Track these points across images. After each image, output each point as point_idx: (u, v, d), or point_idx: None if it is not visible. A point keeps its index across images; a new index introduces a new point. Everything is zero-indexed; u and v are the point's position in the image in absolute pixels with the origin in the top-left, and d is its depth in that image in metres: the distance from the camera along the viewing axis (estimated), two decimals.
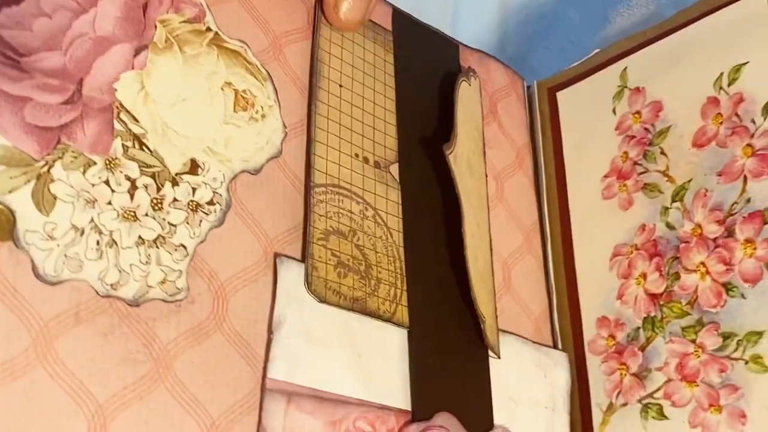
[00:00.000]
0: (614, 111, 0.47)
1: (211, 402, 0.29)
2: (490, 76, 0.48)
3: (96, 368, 0.26)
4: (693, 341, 0.41)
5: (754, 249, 0.40)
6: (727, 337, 0.40)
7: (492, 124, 0.47)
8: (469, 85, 0.44)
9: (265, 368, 0.31)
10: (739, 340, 0.39)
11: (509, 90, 0.49)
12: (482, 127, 0.45)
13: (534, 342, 0.42)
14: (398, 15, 0.43)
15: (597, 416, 0.43)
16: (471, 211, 0.40)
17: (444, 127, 0.41)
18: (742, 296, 0.40)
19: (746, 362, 0.39)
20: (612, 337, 0.44)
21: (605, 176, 0.46)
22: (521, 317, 0.43)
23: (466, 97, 0.43)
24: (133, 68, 0.31)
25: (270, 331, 0.31)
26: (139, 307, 0.28)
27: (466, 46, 0.47)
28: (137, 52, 0.31)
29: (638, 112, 0.46)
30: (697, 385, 0.40)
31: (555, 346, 0.44)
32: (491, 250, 0.42)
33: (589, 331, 0.44)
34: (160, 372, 0.28)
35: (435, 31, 0.46)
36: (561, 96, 0.50)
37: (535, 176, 0.49)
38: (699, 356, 0.41)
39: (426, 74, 0.43)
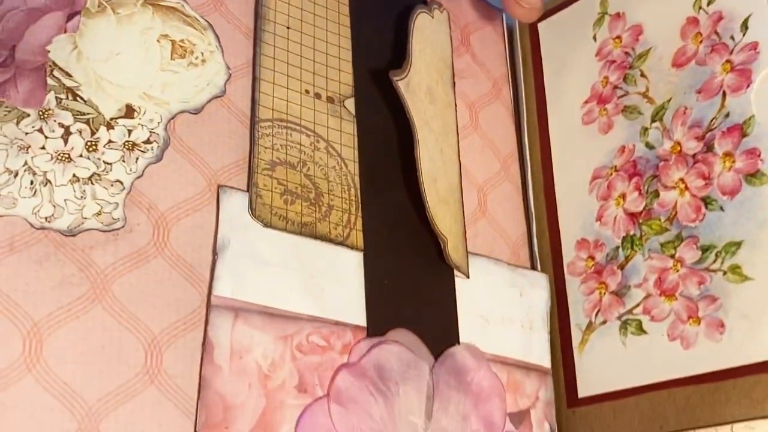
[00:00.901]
0: (594, 38, 0.47)
1: (151, 320, 0.31)
2: (461, 10, 0.48)
3: (31, 291, 0.29)
4: (672, 256, 0.40)
5: (733, 162, 0.39)
6: (706, 249, 0.39)
7: (464, 56, 0.47)
8: (431, 16, 0.45)
9: (210, 287, 0.32)
10: (718, 252, 0.39)
11: (484, 23, 0.49)
12: (451, 59, 0.46)
13: (510, 264, 0.42)
14: None
15: (576, 336, 0.42)
16: (431, 137, 0.41)
17: (401, 60, 0.42)
18: (721, 209, 0.39)
19: (725, 273, 0.38)
20: (591, 258, 0.43)
21: (585, 102, 0.46)
22: (497, 240, 0.43)
23: (427, 28, 0.44)
24: (65, 32, 0.33)
25: (215, 253, 0.33)
26: (74, 237, 0.31)
27: None
28: (69, 18, 0.34)
29: (618, 37, 0.46)
30: (676, 299, 0.39)
31: (534, 269, 0.44)
32: (461, 177, 0.42)
33: (568, 253, 0.44)
34: (97, 293, 0.30)
35: None
36: (542, 27, 0.50)
37: (515, 106, 0.48)
38: (678, 270, 0.40)
39: (386, 10, 0.44)
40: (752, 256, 0.37)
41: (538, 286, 0.43)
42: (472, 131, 0.45)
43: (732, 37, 0.41)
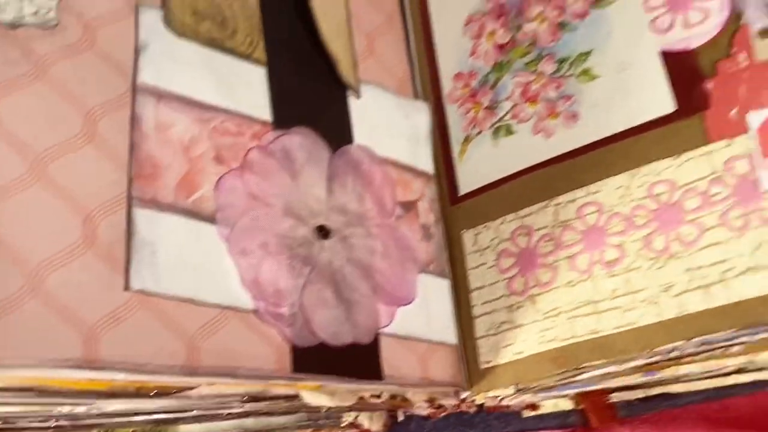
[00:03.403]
0: None
1: (86, 95, 0.36)
2: None
3: None
4: (534, 71, 0.48)
5: None
6: (562, 61, 0.47)
7: None
8: None
9: (134, 74, 0.38)
10: (572, 62, 0.46)
11: None
12: None
13: (396, 94, 0.49)
14: None
15: (456, 148, 0.49)
16: None
17: None
18: (574, 29, 0.47)
19: (577, 76, 0.46)
20: (467, 85, 0.50)
21: None
22: (384, 76, 0.50)
23: None
24: None
25: (136, 51, 0.39)
26: (16, 30, 0.36)
27: None
28: None
29: None
30: (538, 103, 0.47)
31: (416, 99, 0.51)
32: (349, 22, 0.49)
33: (447, 84, 0.51)
34: (38, 73, 0.36)
35: None
36: None
37: None
38: (539, 81, 0.47)
39: None
40: (599, 59, 0.45)
41: (422, 111, 0.50)
42: None
43: None
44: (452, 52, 0.52)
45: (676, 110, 0.42)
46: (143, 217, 0.35)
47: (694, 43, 0.43)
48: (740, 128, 0.40)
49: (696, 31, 0.43)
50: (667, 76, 0.43)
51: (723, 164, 0.40)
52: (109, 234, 0.34)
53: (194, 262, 0.36)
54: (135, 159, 0.37)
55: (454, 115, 0.50)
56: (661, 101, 0.42)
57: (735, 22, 0.42)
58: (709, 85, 0.41)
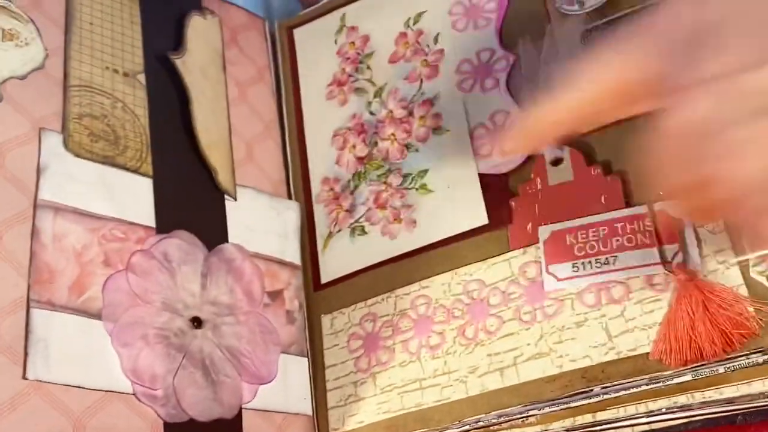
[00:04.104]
0: (336, 42, 0.64)
1: None
2: (230, 16, 0.64)
3: None
4: (384, 182, 0.57)
5: (425, 121, 0.57)
6: (406, 176, 0.57)
7: (233, 49, 0.63)
8: (204, 18, 0.60)
9: (36, 193, 0.46)
10: (413, 177, 0.56)
11: (249, 27, 0.66)
12: (222, 49, 0.61)
13: (271, 195, 0.58)
14: None
15: (320, 243, 0.58)
16: (203, 101, 0.56)
17: (180, 47, 0.57)
18: (417, 150, 0.57)
19: (417, 189, 0.56)
20: (332, 189, 0.60)
21: (329, 84, 0.63)
22: (261, 179, 0.59)
23: (200, 26, 0.60)
24: None
25: (38, 171, 0.47)
26: None
27: None
28: None
29: (353, 42, 0.63)
30: (387, 209, 0.56)
31: (290, 199, 0.60)
32: (230, 132, 0.58)
33: (315, 187, 0.60)
34: None
35: None
36: (297, 32, 0.67)
37: (277, 87, 0.65)
38: (388, 191, 0.57)
39: (168, 15, 0.59)
40: (434, 176, 0.55)
41: (292, 210, 0.59)
42: (241, 102, 0.61)
43: (427, 45, 0.60)
44: (321, 160, 0.61)
45: (488, 223, 0.52)
46: (39, 316, 0.43)
47: (505, 168, 0.53)
48: (533, 239, 0.50)
49: (507, 159, 0.53)
50: (482, 195, 0.53)
51: (518, 268, 0.50)
52: (10, 332, 0.42)
53: (82, 353, 0.44)
54: (34, 266, 0.44)
55: (320, 214, 0.59)
56: (478, 214, 0.52)
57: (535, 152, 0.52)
58: (514, 203, 0.51)
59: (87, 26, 0.54)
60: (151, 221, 0.50)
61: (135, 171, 0.51)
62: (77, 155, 0.49)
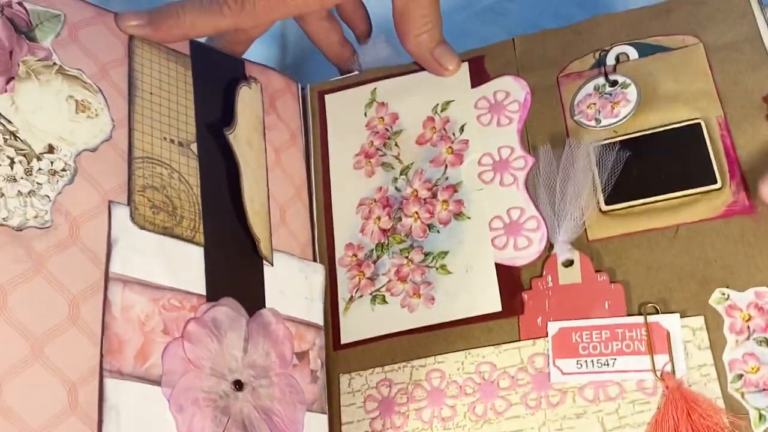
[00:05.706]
0: (365, 114, 0.69)
1: (72, 285, 0.48)
2: (269, 81, 0.69)
3: None
4: (406, 257, 0.63)
5: (448, 206, 0.63)
6: (427, 254, 0.63)
7: (272, 115, 0.68)
8: (250, 88, 0.65)
9: (107, 266, 0.50)
10: (434, 257, 0.62)
11: (285, 91, 0.70)
12: (263, 117, 0.66)
13: (300, 258, 0.64)
14: (193, 43, 0.64)
15: (342, 305, 0.64)
16: (249, 172, 0.61)
17: (230, 119, 0.62)
18: (438, 232, 0.63)
19: (437, 269, 0.62)
20: (355, 255, 0.65)
21: (356, 154, 0.68)
22: (291, 242, 0.64)
23: (247, 97, 0.64)
24: (6, 92, 0.50)
25: (109, 245, 0.51)
26: (21, 232, 0.48)
27: (250, 61, 0.68)
28: (8, 82, 0.51)
29: (382, 118, 0.69)
30: (407, 283, 0.62)
31: (315, 261, 0.66)
32: (268, 198, 0.63)
33: (339, 252, 0.66)
34: (37, 269, 0.47)
35: (223, 53, 0.66)
36: (328, 98, 0.71)
37: (306, 151, 0.70)
38: (409, 266, 0.63)
39: (217, 83, 0.64)
40: (453, 259, 0.61)
41: (318, 272, 0.64)
42: (276, 167, 0.66)
43: (453, 134, 0.66)
44: (346, 226, 0.66)
45: (501, 311, 0.58)
46: (111, 384, 0.48)
47: (519, 262, 0.59)
48: (542, 333, 0.57)
49: (522, 254, 0.59)
50: (497, 283, 0.59)
51: (527, 358, 0.56)
52: (86, 400, 0.47)
53: (146, 418, 0.49)
54: (106, 337, 0.49)
55: (343, 278, 0.65)
56: (492, 301, 0.59)
57: (548, 251, 0.59)
58: (526, 296, 0.58)
59: (147, 96, 0.59)
60: (202, 289, 0.55)
61: (190, 240, 0.56)
62: (142, 227, 0.53)
